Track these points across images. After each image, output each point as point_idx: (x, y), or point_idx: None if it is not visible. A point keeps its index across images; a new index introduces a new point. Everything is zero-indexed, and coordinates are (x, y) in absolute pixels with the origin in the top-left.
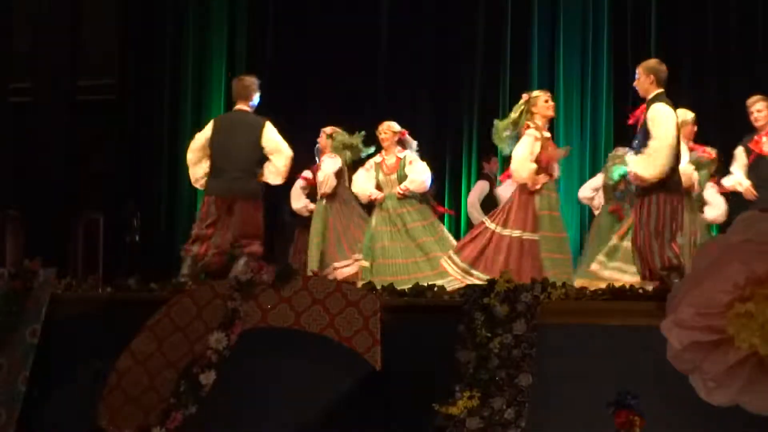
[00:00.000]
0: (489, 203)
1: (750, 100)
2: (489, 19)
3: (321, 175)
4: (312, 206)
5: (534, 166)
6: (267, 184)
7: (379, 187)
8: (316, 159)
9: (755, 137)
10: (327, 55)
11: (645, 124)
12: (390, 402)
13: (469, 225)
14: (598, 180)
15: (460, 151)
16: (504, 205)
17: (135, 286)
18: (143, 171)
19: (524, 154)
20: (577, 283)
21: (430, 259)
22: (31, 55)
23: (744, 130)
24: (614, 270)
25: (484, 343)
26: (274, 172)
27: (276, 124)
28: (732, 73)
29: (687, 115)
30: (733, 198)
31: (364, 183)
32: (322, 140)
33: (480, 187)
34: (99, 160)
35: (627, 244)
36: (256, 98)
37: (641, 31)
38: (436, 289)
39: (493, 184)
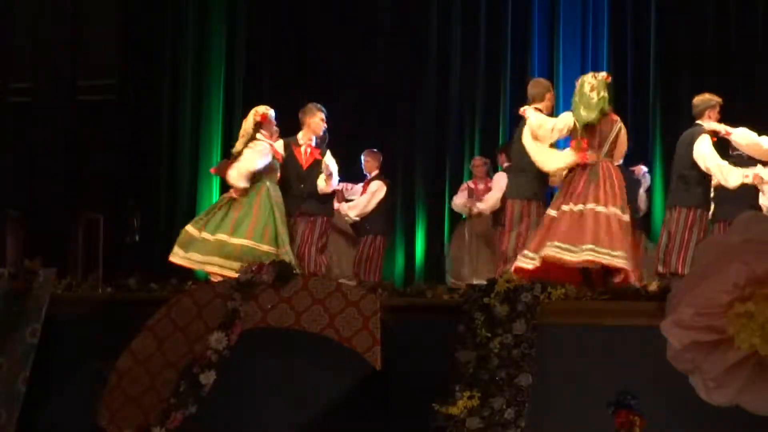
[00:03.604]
0: None
1: None
2: (490, 18)
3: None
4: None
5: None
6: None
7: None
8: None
9: None
10: (327, 55)
11: None
12: (390, 402)
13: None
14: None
15: (461, 149)
16: None
17: (135, 286)
18: (143, 171)
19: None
20: None
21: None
22: (31, 55)
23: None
24: None
25: (484, 343)
26: None
27: (277, 125)
28: (732, 73)
29: None
30: None
31: None
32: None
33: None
34: (99, 160)
35: None
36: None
37: (641, 29)
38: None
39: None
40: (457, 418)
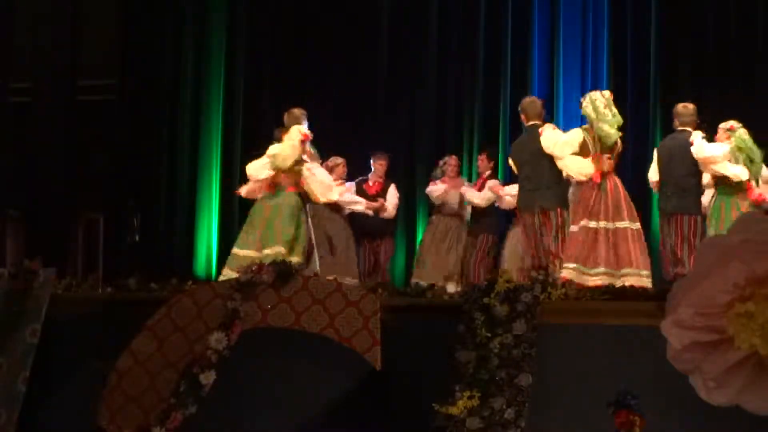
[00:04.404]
0: None
1: None
2: (489, 19)
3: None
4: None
5: None
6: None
7: None
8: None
9: None
10: (327, 55)
11: None
12: (390, 402)
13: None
14: None
15: (461, 150)
16: None
17: (135, 286)
18: (143, 171)
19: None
20: None
21: None
22: (31, 55)
23: (743, 128)
24: None
25: (484, 343)
26: None
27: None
28: (732, 73)
29: None
30: None
31: None
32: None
33: None
34: (99, 160)
35: None
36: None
37: (641, 29)
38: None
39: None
40: (457, 418)
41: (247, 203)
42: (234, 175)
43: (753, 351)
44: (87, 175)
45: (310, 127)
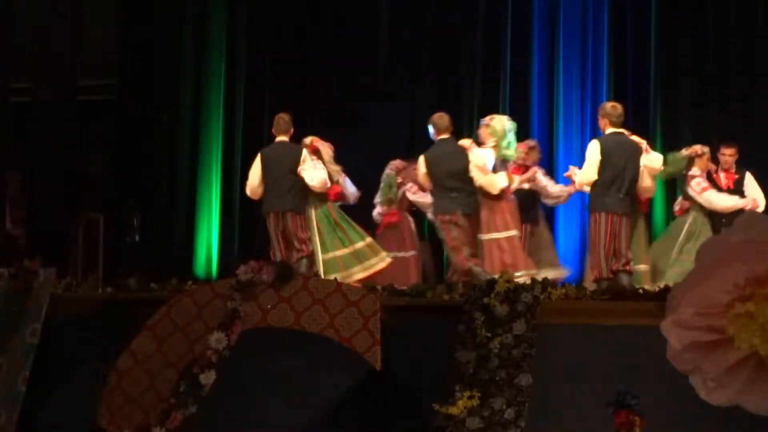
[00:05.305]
0: None
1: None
2: (489, 20)
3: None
4: None
5: None
6: None
7: None
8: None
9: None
10: (327, 55)
11: None
12: (390, 402)
13: None
14: None
15: None
16: None
17: (135, 286)
18: (143, 171)
19: None
20: None
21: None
22: (31, 55)
23: (743, 128)
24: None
25: (484, 343)
26: None
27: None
28: (732, 73)
29: None
30: None
31: None
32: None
33: None
34: (99, 160)
35: None
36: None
37: (641, 30)
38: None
39: None
40: (457, 418)
41: (247, 203)
42: (234, 175)
43: (753, 351)
44: (87, 175)
45: (310, 128)
